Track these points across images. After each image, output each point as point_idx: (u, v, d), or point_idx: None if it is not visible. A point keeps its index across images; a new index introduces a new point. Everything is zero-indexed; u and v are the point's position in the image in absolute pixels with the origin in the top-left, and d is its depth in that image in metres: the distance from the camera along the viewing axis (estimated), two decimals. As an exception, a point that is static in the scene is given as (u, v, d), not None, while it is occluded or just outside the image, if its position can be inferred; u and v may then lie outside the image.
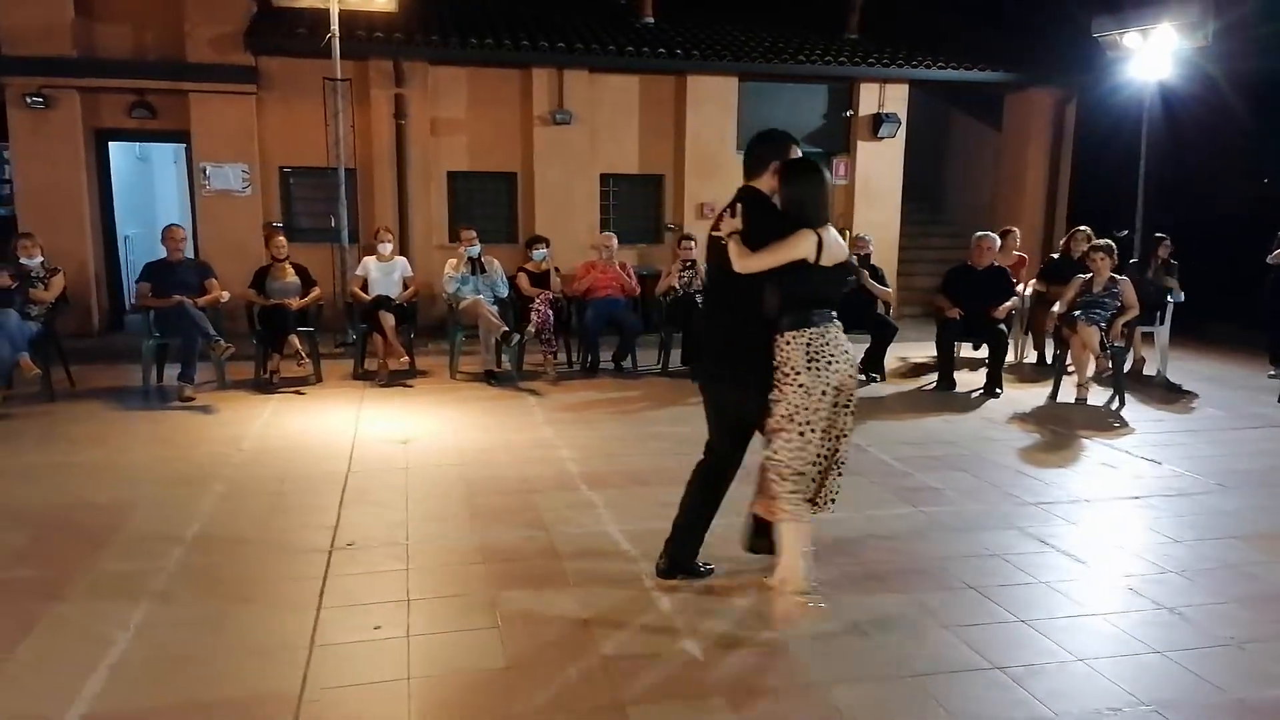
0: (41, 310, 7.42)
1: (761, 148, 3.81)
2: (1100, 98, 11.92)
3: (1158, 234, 9.25)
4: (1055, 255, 9.67)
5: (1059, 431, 6.70)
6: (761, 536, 3.95)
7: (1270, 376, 8.65)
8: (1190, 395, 8.00)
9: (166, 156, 13.58)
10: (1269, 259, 8.65)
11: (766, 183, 3.75)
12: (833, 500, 3.72)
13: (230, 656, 3.27)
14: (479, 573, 4.02)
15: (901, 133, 12.34)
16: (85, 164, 10.40)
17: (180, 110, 10.45)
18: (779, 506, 3.59)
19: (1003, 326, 8.09)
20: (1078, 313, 7.61)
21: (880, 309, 8.68)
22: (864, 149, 12.33)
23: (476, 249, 8.63)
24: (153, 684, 3.10)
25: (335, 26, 9.44)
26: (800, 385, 3.54)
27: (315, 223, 10.97)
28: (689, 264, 8.85)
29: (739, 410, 3.79)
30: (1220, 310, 10.37)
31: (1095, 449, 6.25)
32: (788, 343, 3.58)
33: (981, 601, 3.78)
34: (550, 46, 11.04)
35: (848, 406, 3.63)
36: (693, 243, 8.98)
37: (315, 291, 8.41)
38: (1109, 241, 7.92)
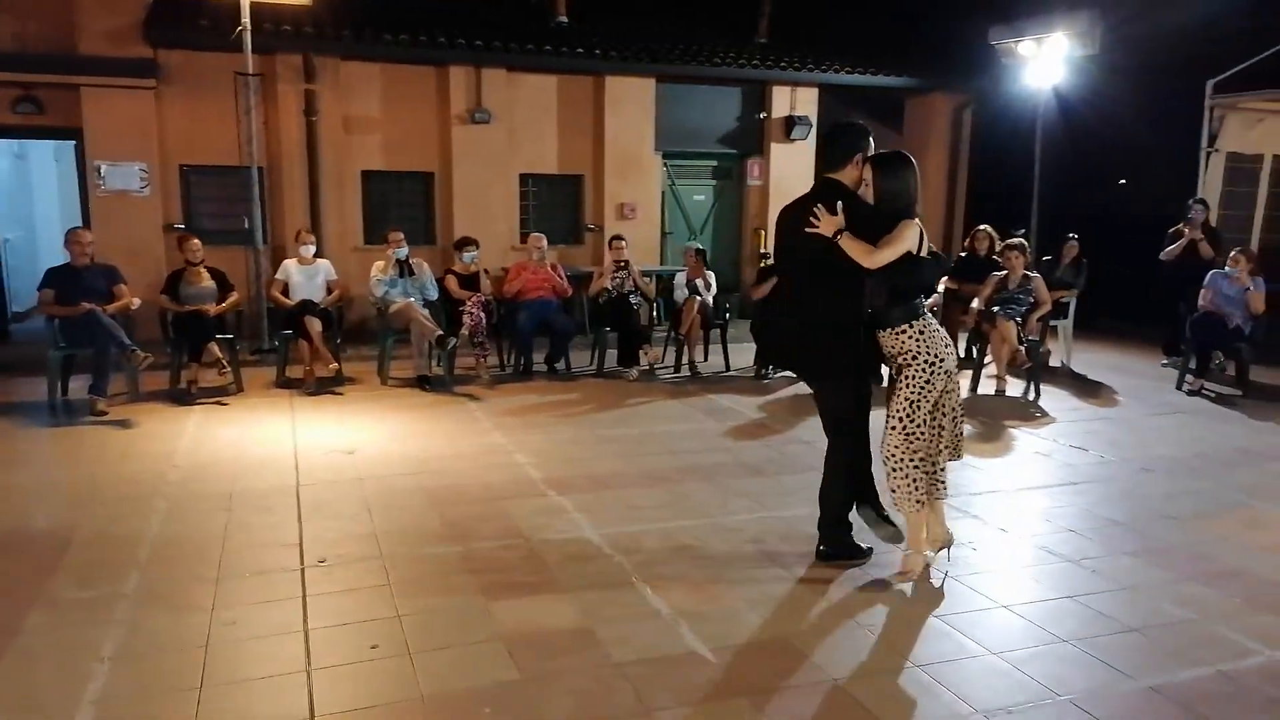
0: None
1: (845, 140, 3.87)
2: (996, 102, 12.49)
3: (1069, 235, 9.75)
4: (963, 254, 10.06)
5: (988, 423, 7.00)
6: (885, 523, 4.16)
7: (1163, 365, 9.25)
8: (1095, 384, 8.48)
9: (45, 154, 12.72)
10: (1161, 255, 9.25)
11: (849, 174, 3.83)
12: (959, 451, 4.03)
13: (223, 685, 3.11)
14: (466, 584, 3.93)
15: (813, 135, 12.64)
16: (-37, 162, 9.68)
17: (71, 106, 9.82)
18: (901, 500, 3.90)
19: (927, 323, 8.38)
20: (996, 309, 7.96)
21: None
22: (777, 150, 12.58)
23: (404, 251, 8.41)
24: (147, 719, 2.92)
25: (246, 19, 9.03)
26: (946, 371, 3.81)
27: (219, 224, 10.47)
28: (622, 264, 8.85)
29: (831, 402, 4.01)
30: (1107, 304, 11.00)
31: (1025, 439, 6.56)
32: (920, 332, 3.78)
33: (963, 590, 3.92)
34: (468, 44, 10.86)
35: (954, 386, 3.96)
36: (624, 243, 8.99)
37: (233, 296, 8.04)
38: (1022, 241, 8.34)
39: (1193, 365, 8.11)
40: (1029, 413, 7.38)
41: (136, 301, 7.60)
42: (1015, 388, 7.97)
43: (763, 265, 9.00)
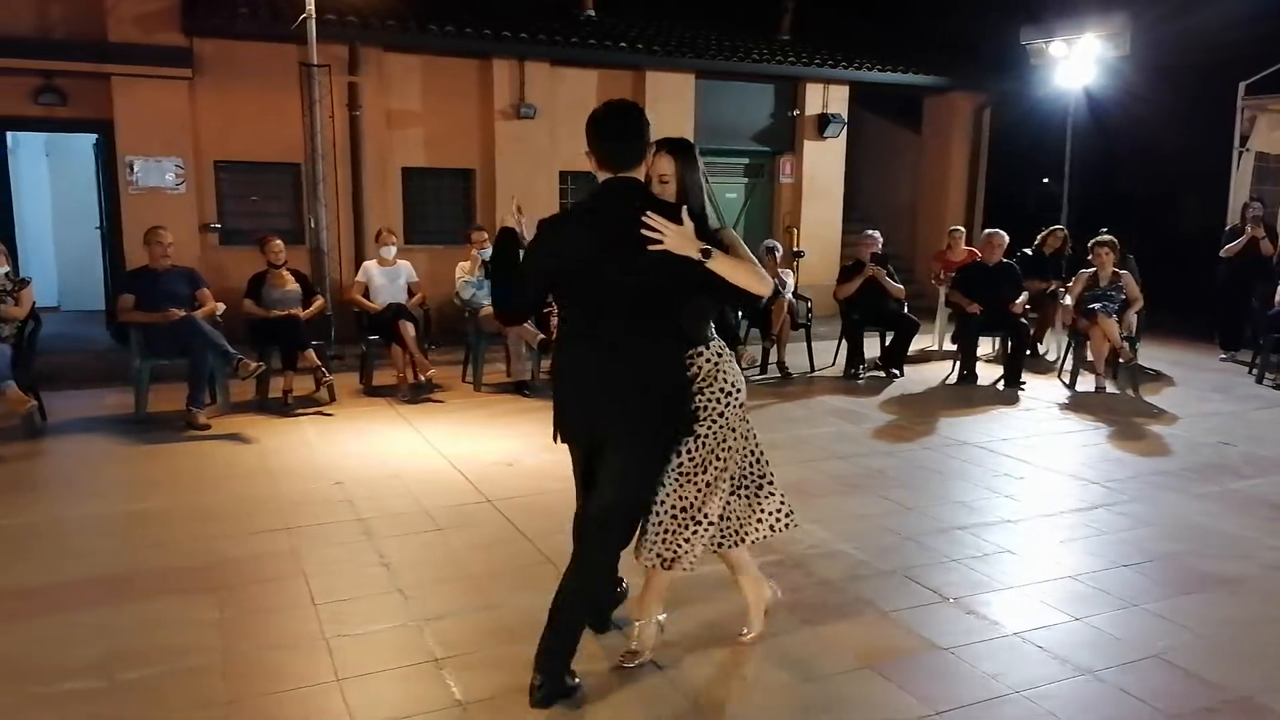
0: (13, 329, 6.26)
1: (643, 127, 2.92)
2: (1021, 102, 12.66)
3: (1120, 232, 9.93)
4: (1029, 251, 10.06)
5: (1118, 421, 6.97)
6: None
7: (1221, 360, 9.48)
8: (1172, 379, 8.60)
9: (35, 148, 11.85)
10: (1221, 253, 9.50)
11: (643, 171, 2.99)
12: (791, 521, 3.39)
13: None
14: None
15: (844, 133, 12.63)
16: (-21, 156, 8.92)
17: (98, 97, 9.15)
18: (644, 551, 3.12)
19: (1023, 320, 8.42)
20: (1096, 306, 7.98)
21: (894, 305, 8.75)
22: (810, 148, 12.52)
23: (488, 251, 8.04)
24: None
25: (311, 6, 8.51)
26: (741, 404, 3.16)
27: (257, 224, 9.88)
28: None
29: (638, 472, 2.99)
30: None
31: (1167, 434, 6.58)
32: (718, 354, 3.14)
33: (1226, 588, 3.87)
34: (513, 36, 10.49)
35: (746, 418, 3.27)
36: (707, 242, 8.76)
37: (319, 301, 7.61)
38: (1113, 238, 8.40)
39: (1275, 359, 8.30)
40: (1146, 409, 7.40)
41: (221, 307, 7.10)
42: (1112, 384, 8.01)
43: (846, 264, 8.88)
